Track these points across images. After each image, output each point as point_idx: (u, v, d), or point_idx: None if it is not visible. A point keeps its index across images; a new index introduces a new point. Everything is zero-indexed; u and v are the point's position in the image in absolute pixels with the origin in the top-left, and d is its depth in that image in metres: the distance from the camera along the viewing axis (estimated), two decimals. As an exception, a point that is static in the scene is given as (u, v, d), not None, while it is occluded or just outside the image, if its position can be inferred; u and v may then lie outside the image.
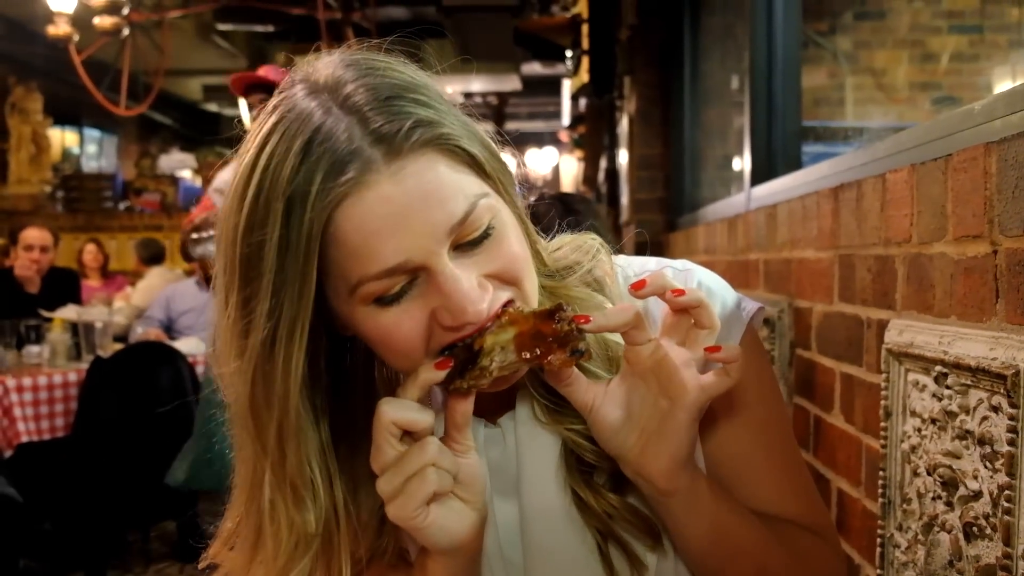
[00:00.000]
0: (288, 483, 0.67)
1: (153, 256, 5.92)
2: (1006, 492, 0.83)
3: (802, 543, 0.78)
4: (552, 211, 2.01)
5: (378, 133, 0.62)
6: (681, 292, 0.67)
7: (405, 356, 0.67)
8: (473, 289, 0.65)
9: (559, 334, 0.66)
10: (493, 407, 0.79)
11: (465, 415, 0.68)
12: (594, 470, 0.75)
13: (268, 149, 0.63)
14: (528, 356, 0.65)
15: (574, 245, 0.84)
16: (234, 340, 0.65)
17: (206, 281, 4.48)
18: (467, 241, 0.66)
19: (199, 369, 3.95)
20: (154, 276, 5.68)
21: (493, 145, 0.72)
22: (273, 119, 0.66)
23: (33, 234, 4.35)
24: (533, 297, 0.72)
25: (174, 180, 8.43)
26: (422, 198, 0.63)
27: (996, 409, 0.86)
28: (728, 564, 0.73)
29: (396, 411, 0.65)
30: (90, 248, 6.06)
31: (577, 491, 0.75)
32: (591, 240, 0.84)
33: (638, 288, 0.67)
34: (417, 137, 0.63)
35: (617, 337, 0.73)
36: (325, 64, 0.68)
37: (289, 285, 0.62)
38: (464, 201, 0.65)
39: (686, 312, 0.68)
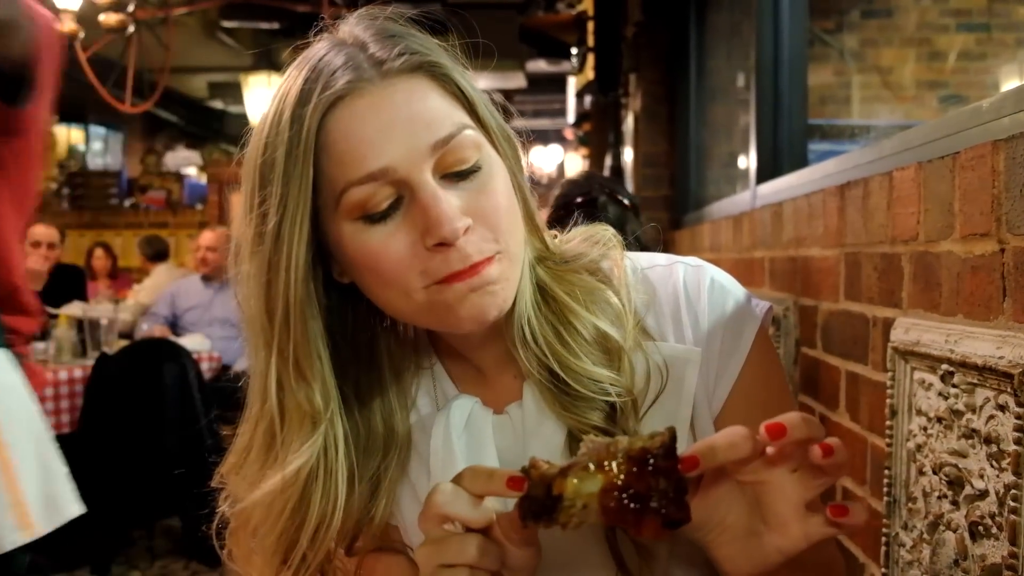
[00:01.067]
0: (293, 361, 0.71)
1: (157, 253, 5.93)
2: (1012, 491, 0.82)
3: (824, 554, 0.77)
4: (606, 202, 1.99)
5: (374, 57, 0.69)
6: (830, 451, 0.58)
7: (394, 282, 0.69)
8: (452, 208, 0.67)
9: (653, 497, 0.56)
10: (501, 397, 0.79)
11: (529, 539, 0.64)
12: None
13: (284, 84, 0.71)
14: (614, 517, 0.57)
15: (586, 235, 0.84)
16: (251, 239, 0.71)
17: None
18: (452, 172, 0.69)
19: (204, 366, 3.96)
20: (160, 273, 5.69)
21: (495, 108, 0.75)
22: (294, 64, 0.73)
23: (40, 231, 4.36)
24: (517, 260, 0.72)
25: (179, 177, 8.44)
26: (409, 114, 0.68)
27: (1003, 408, 0.86)
28: None
29: (447, 504, 0.62)
30: (98, 253, 6.07)
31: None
32: (604, 231, 0.83)
33: (772, 434, 0.57)
34: (411, 61, 0.69)
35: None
36: (344, 23, 0.75)
37: (292, 183, 0.67)
38: (450, 125, 0.69)
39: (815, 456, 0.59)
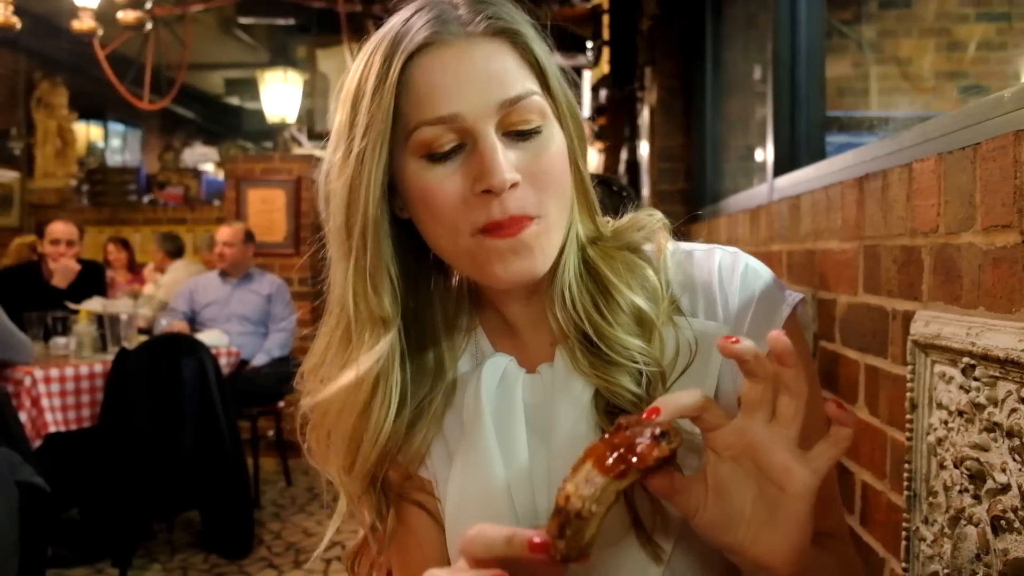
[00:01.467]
0: (368, 273, 0.78)
1: (176, 250, 5.98)
2: (1035, 485, 0.81)
3: (845, 554, 0.79)
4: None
5: (462, 18, 0.76)
6: (762, 357, 0.62)
7: (443, 220, 0.75)
8: (506, 161, 0.73)
9: (636, 438, 0.60)
10: (534, 358, 0.83)
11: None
12: (626, 413, 0.75)
13: (382, 31, 0.78)
14: (619, 471, 0.59)
15: (634, 218, 0.87)
16: (339, 161, 0.78)
17: None
18: (514, 130, 0.74)
19: (222, 361, 3.99)
20: (178, 269, 5.73)
21: (568, 87, 0.81)
22: (392, 16, 0.80)
23: (59, 228, 4.40)
24: (557, 229, 0.77)
25: (197, 174, 8.49)
26: (485, 70, 0.74)
27: (1025, 401, 0.85)
28: None
29: (474, 548, 0.60)
30: (111, 248, 6.12)
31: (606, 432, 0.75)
32: (651, 215, 0.87)
33: (725, 346, 0.62)
34: (494, 25, 0.76)
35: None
36: None
37: (376, 114, 0.74)
38: (520, 87, 0.75)
39: (767, 379, 0.63)
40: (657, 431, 0.60)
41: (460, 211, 0.74)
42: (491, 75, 0.74)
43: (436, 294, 0.87)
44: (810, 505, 0.62)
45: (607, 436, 0.61)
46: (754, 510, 0.63)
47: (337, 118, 0.80)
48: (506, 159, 0.73)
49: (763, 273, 0.82)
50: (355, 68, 0.79)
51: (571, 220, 0.81)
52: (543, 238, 0.76)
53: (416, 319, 0.84)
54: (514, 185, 0.73)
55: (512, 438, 0.79)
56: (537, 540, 0.58)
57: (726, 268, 0.82)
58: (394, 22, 0.77)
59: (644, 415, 0.62)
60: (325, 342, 0.83)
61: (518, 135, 0.75)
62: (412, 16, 0.76)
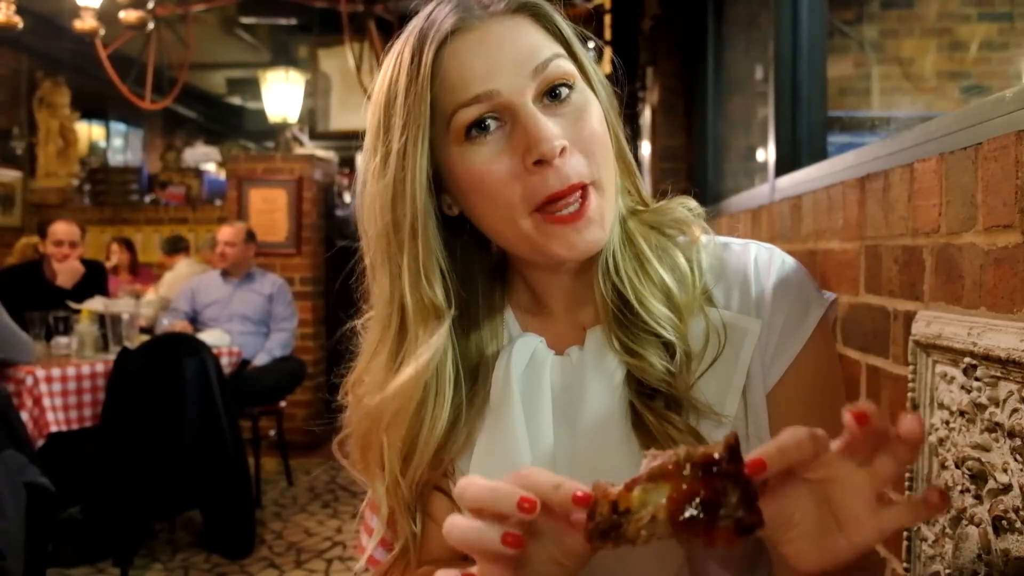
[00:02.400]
0: (420, 267, 0.78)
1: (175, 251, 5.97)
2: (1036, 485, 0.81)
3: (872, 555, 0.77)
4: None
5: (482, 1, 0.77)
6: (917, 426, 0.57)
7: (497, 202, 0.75)
8: (551, 127, 0.73)
9: (724, 504, 0.54)
10: (563, 341, 0.83)
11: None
12: (656, 394, 0.76)
13: (406, 32, 0.79)
14: (685, 528, 0.54)
15: (669, 205, 0.87)
16: (377, 166, 0.78)
17: None
18: (550, 89, 0.75)
19: (224, 360, 3.99)
20: (180, 267, 5.73)
21: (591, 55, 0.83)
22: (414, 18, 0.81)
23: (62, 228, 4.40)
24: (611, 193, 0.78)
25: (199, 173, 8.48)
26: (512, 45, 0.75)
27: (1026, 401, 0.85)
28: None
29: (475, 495, 0.59)
30: (115, 248, 6.12)
31: (638, 410, 0.76)
32: (688, 201, 0.88)
33: (858, 419, 0.56)
34: (513, 2, 0.77)
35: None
36: None
37: (413, 109, 0.75)
38: (548, 52, 0.76)
39: (885, 439, 0.58)
40: (748, 523, 0.54)
41: (514, 189, 0.74)
42: (519, 48, 0.75)
43: (479, 286, 0.86)
44: (858, 554, 0.59)
45: (699, 465, 0.54)
46: (802, 522, 0.61)
47: (370, 125, 0.81)
48: (549, 125, 0.73)
49: (799, 271, 0.83)
50: (383, 73, 0.80)
51: (618, 184, 0.82)
52: (604, 207, 0.76)
53: (460, 313, 0.83)
54: (563, 151, 0.73)
55: (538, 420, 0.79)
56: (580, 494, 0.57)
57: (762, 263, 0.82)
58: (416, 20, 0.79)
59: (749, 467, 0.55)
60: (372, 350, 0.82)
61: (553, 96, 0.76)
62: (434, 10, 0.78)
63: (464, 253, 0.84)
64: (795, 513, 0.60)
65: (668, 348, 0.77)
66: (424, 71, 0.74)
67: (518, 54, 0.75)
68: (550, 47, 0.77)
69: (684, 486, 0.54)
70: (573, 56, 0.79)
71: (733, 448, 0.55)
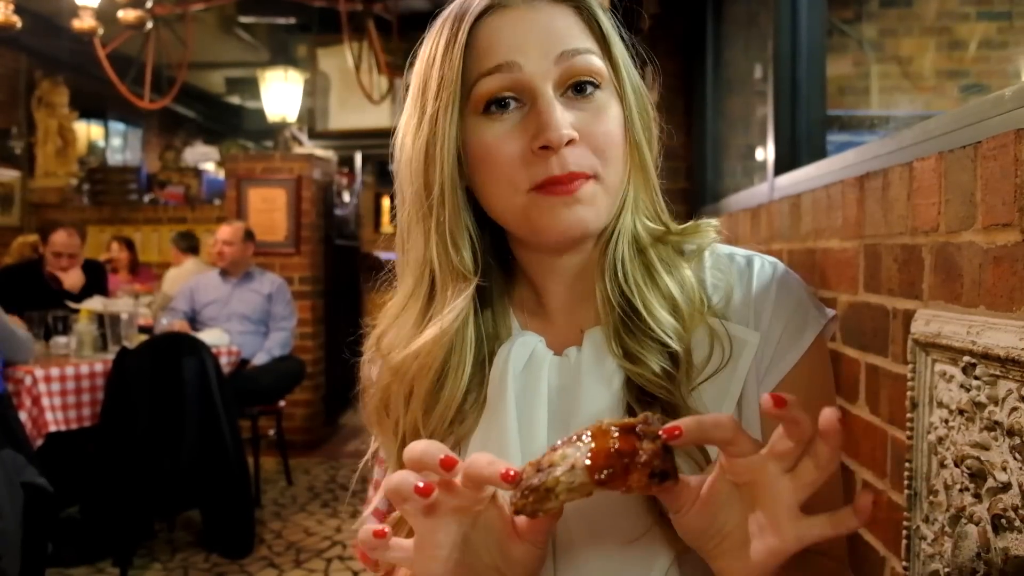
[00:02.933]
0: (448, 230, 0.79)
1: (191, 248, 5.97)
2: (1036, 484, 0.81)
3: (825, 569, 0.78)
4: None
5: None
6: (832, 424, 0.58)
7: (501, 177, 0.76)
8: (563, 117, 0.74)
9: (640, 453, 0.58)
10: (562, 342, 0.83)
11: (550, 524, 0.66)
12: (655, 401, 0.76)
13: (450, 7, 0.81)
14: (601, 477, 0.58)
15: (694, 226, 0.88)
16: (414, 128, 0.80)
17: None
18: (573, 83, 0.76)
19: (223, 360, 3.99)
20: (188, 264, 5.73)
21: (633, 61, 0.83)
22: None
23: (62, 240, 4.39)
24: (612, 193, 0.78)
25: (198, 173, 8.48)
26: (546, 28, 0.76)
27: (1026, 400, 0.85)
28: None
29: (410, 449, 0.64)
30: (115, 247, 6.12)
31: (636, 414, 0.75)
32: (707, 224, 0.87)
33: (773, 405, 0.58)
34: None
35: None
36: None
37: (446, 76, 0.77)
38: (580, 43, 0.77)
39: (798, 439, 0.59)
40: (661, 468, 0.58)
41: (518, 168, 0.75)
42: (550, 31, 0.76)
43: (492, 259, 0.87)
44: (778, 563, 0.61)
45: (622, 428, 0.60)
46: (733, 532, 0.63)
47: (411, 87, 0.83)
48: (563, 115, 0.74)
49: (800, 286, 0.83)
50: (427, 40, 0.81)
51: (626, 192, 0.82)
52: (599, 196, 0.77)
53: (488, 281, 0.85)
54: (571, 142, 0.74)
55: (532, 420, 0.79)
56: (512, 472, 0.61)
57: (764, 276, 0.82)
58: (450, 6, 0.80)
59: (664, 431, 0.60)
60: (399, 307, 0.84)
61: (576, 91, 0.76)
62: None
63: (479, 227, 0.85)
64: (726, 523, 0.63)
65: (670, 356, 0.78)
66: (460, 40, 0.76)
67: (548, 37, 0.76)
68: (584, 40, 0.78)
69: (604, 441, 0.59)
70: (609, 57, 0.80)
71: (650, 417, 0.61)
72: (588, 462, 0.58)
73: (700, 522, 0.64)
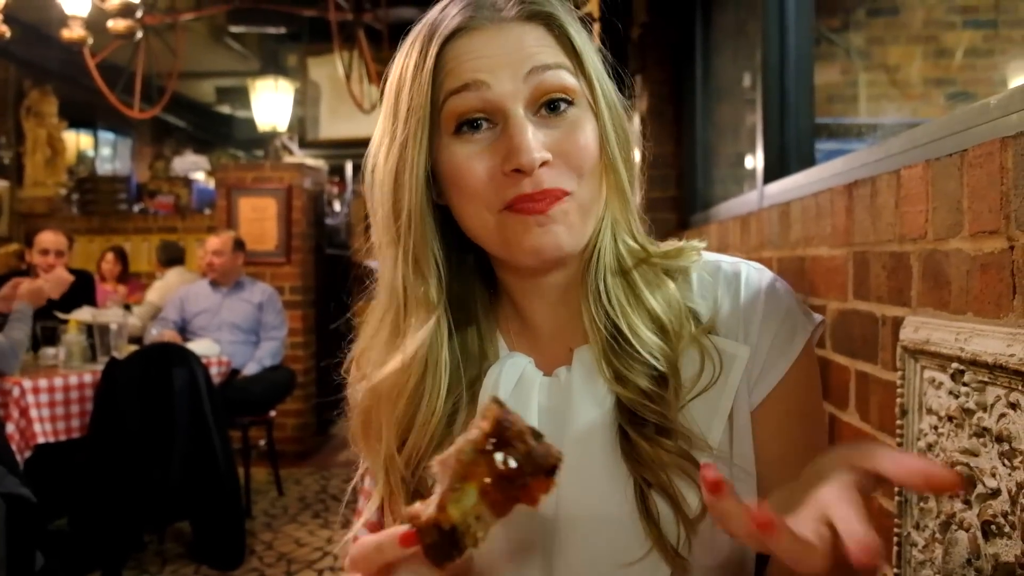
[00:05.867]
0: (412, 258, 0.79)
1: (172, 259, 5.95)
2: (1024, 490, 0.82)
3: None
4: None
5: (495, 4, 0.77)
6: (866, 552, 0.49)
7: (472, 197, 0.75)
8: (535, 140, 0.73)
9: (513, 461, 0.57)
10: (551, 362, 0.82)
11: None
12: (647, 421, 0.76)
13: (417, 27, 0.80)
14: (505, 507, 0.58)
15: (678, 248, 0.86)
16: (385, 150, 0.79)
17: None
18: (545, 101, 0.75)
19: (213, 370, 3.97)
20: (172, 275, 5.71)
21: (608, 76, 0.81)
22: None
23: (48, 238, 4.37)
24: (588, 213, 0.77)
25: (188, 182, 8.47)
26: (515, 46, 0.75)
27: (1014, 406, 0.86)
28: None
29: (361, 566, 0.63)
30: (109, 257, 6.09)
31: (630, 436, 0.75)
32: (695, 243, 0.86)
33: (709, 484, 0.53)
34: (527, 9, 0.77)
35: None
36: None
37: (415, 100, 0.76)
38: (550, 58, 0.76)
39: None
40: (542, 462, 0.58)
41: (489, 189, 0.75)
42: (520, 49, 0.75)
43: (475, 279, 0.87)
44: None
45: (484, 447, 0.58)
46: None
47: (382, 108, 0.82)
48: (535, 138, 0.73)
49: (788, 293, 0.82)
50: (397, 59, 0.81)
51: (604, 211, 0.80)
52: (573, 215, 0.75)
53: (461, 303, 0.84)
54: (545, 164, 0.73)
55: None
56: (402, 534, 0.59)
57: (752, 283, 0.82)
58: (431, 13, 0.79)
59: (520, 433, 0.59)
60: (375, 327, 0.84)
61: (549, 108, 0.75)
62: (448, 5, 0.78)
63: (462, 247, 0.84)
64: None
65: (659, 376, 0.77)
66: (428, 64, 0.75)
67: (517, 55, 0.75)
68: (554, 56, 0.76)
69: (484, 478, 0.57)
70: (582, 72, 0.78)
71: (497, 416, 0.59)
72: (486, 505, 0.57)
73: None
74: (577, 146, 0.75)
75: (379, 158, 0.80)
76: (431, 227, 0.79)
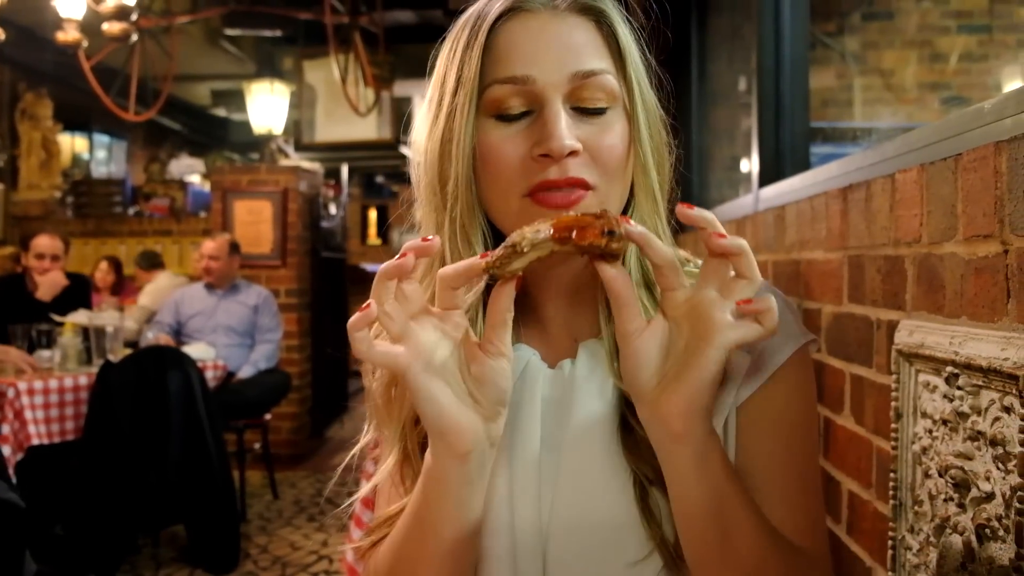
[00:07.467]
0: (460, 224, 0.80)
1: (154, 264, 5.94)
2: (1019, 493, 0.82)
3: (800, 562, 0.76)
4: None
5: None
6: (723, 235, 0.66)
7: (499, 178, 0.77)
8: (568, 129, 0.75)
9: (595, 224, 0.66)
10: (556, 355, 0.83)
11: (502, 314, 0.70)
12: None
13: (470, 8, 0.82)
14: (560, 236, 0.65)
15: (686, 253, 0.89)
16: (431, 121, 0.81)
17: None
18: (582, 106, 0.77)
19: (208, 374, 3.96)
20: (163, 278, 5.70)
21: (650, 80, 0.83)
22: None
23: (44, 242, 4.36)
24: (610, 204, 0.78)
25: (183, 185, 8.44)
26: (564, 41, 0.77)
27: (1008, 410, 0.86)
28: (725, 542, 0.70)
29: (446, 275, 0.68)
30: (103, 267, 6.07)
31: (632, 426, 0.76)
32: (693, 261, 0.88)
33: (682, 212, 0.67)
34: (580, 3, 0.79)
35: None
36: None
37: (464, 73, 0.78)
38: (596, 64, 0.77)
39: (725, 258, 0.67)
40: (608, 229, 0.65)
41: (516, 172, 0.76)
42: (568, 46, 0.77)
43: None
44: (719, 357, 0.65)
45: (583, 215, 0.67)
46: (672, 365, 0.68)
47: (431, 85, 0.84)
48: (568, 127, 0.75)
49: (784, 307, 0.81)
50: (447, 40, 0.83)
51: (632, 212, 0.82)
52: (596, 209, 0.76)
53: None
54: (573, 153, 0.75)
55: (526, 433, 0.79)
56: (482, 255, 0.68)
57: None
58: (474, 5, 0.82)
59: (623, 217, 0.67)
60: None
61: (583, 111, 0.77)
62: None
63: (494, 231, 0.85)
64: (664, 356, 0.69)
65: None
66: (479, 41, 0.77)
67: (566, 52, 0.76)
68: (600, 60, 0.78)
69: (567, 218, 0.67)
70: (624, 75, 0.79)
71: (608, 213, 0.67)
72: (551, 230, 0.65)
73: (650, 348, 0.69)
74: (608, 144, 0.77)
75: (424, 131, 0.82)
76: (476, 200, 0.80)
